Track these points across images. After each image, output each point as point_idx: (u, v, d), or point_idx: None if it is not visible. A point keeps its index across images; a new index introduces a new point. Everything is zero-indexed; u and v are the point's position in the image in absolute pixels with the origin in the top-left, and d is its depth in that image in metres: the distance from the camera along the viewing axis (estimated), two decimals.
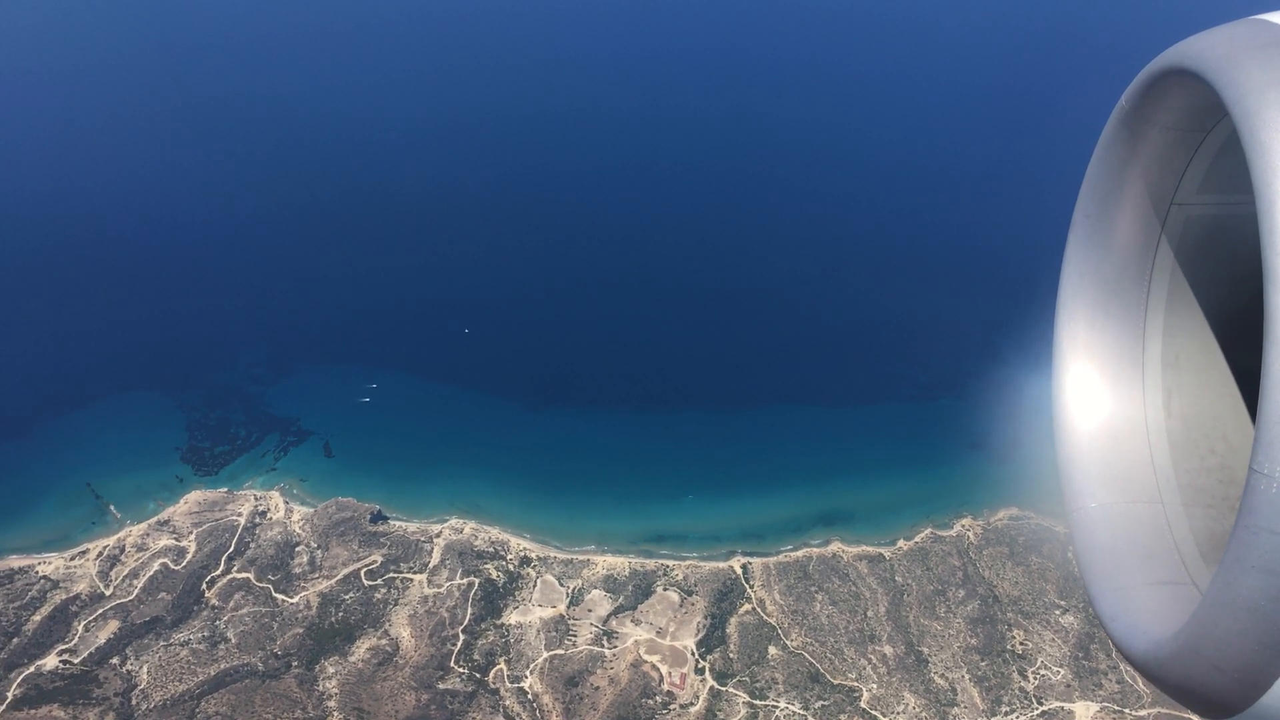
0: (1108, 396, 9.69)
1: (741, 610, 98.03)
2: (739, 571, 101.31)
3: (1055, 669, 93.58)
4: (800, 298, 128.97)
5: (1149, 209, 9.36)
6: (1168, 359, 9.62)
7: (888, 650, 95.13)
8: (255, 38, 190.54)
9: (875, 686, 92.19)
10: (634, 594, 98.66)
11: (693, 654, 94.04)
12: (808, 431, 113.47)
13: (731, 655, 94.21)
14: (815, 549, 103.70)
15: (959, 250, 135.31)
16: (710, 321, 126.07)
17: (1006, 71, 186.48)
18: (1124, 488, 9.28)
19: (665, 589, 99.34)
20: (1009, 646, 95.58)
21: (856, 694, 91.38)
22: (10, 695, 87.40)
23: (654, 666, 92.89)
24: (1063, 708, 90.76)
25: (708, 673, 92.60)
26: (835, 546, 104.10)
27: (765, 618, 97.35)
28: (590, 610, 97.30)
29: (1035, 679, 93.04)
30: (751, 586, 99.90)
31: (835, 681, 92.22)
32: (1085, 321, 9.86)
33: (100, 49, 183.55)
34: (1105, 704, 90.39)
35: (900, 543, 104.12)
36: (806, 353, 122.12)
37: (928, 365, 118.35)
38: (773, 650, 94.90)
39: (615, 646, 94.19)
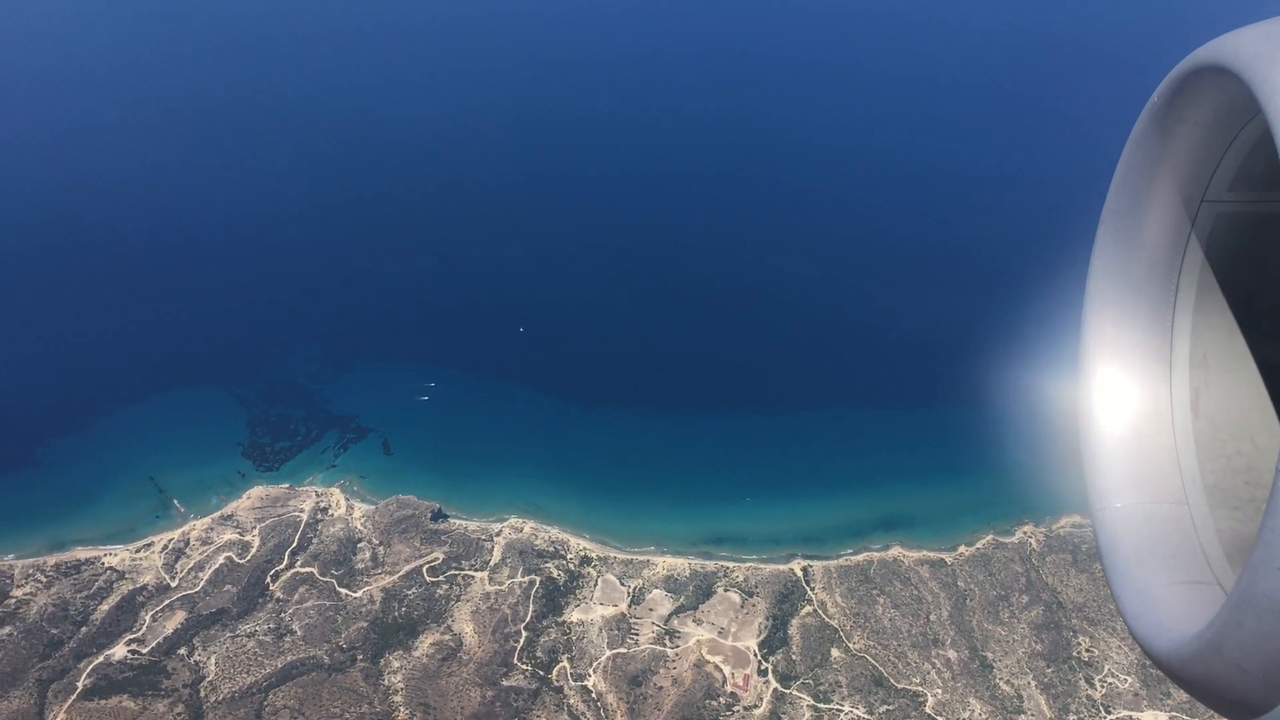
0: (1134, 396, 9.56)
1: (803, 612, 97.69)
2: (799, 574, 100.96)
3: (1123, 676, 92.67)
4: (858, 299, 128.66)
5: (1179, 206, 9.24)
6: (1195, 358, 9.47)
7: (952, 655, 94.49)
8: (314, 33, 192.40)
9: (940, 692, 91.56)
10: (695, 594, 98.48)
11: (755, 655, 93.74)
12: (865, 434, 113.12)
13: (794, 657, 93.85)
14: (875, 553, 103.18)
15: (1010, 251, 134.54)
16: (770, 323, 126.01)
17: (1024, 71, 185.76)
18: (1150, 488, 9.17)
19: (726, 590, 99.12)
20: (1075, 654, 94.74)
21: (921, 699, 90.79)
22: (81, 685, 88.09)
23: (717, 667, 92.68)
24: (1131, 716, 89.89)
25: (771, 674, 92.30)
26: (896, 551, 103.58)
27: (827, 620, 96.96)
28: (651, 610, 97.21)
29: (1103, 687, 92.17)
30: (812, 589, 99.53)
31: (899, 686, 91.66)
32: (1112, 320, 9.73)
33: (161, 43, 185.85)
34: (1174, 713, 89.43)
35: (961, 548, 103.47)
36: (865, 354, 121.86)
37: (986, 368, 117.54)
38: (835, 653, 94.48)
39: (677, 646, 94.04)
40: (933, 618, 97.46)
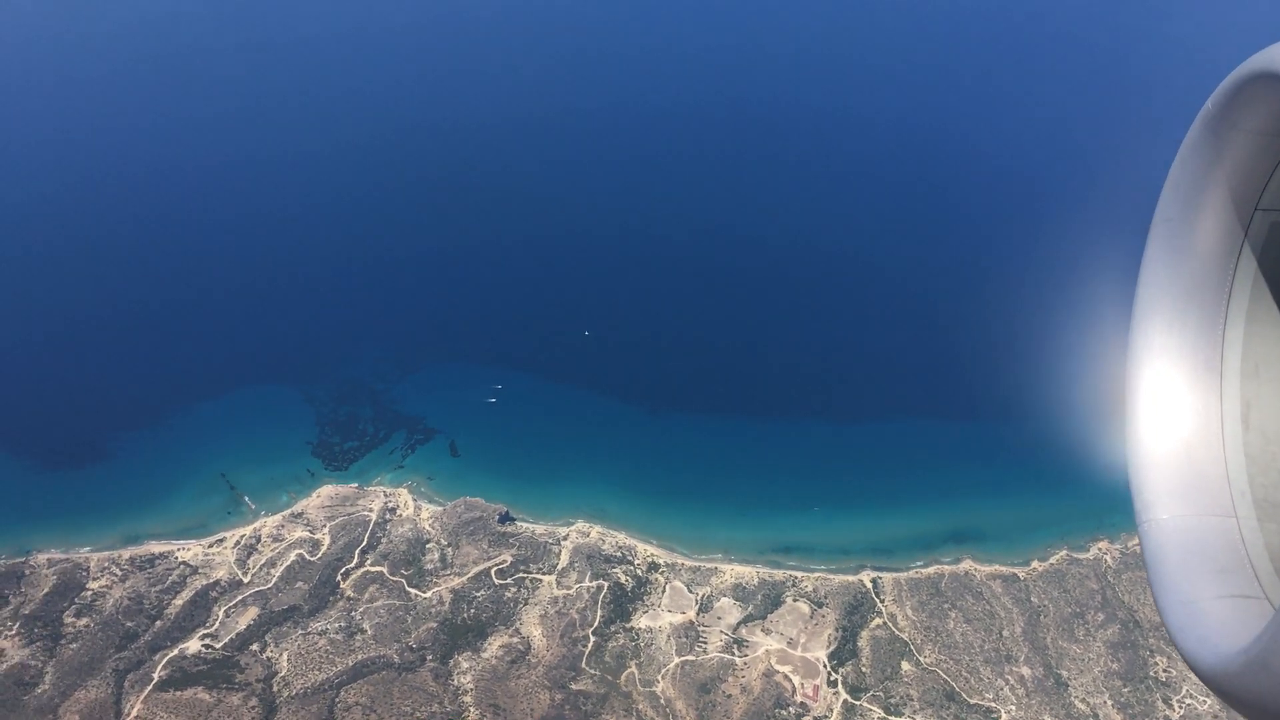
0: (1183, 406, 9.40)
1: (873, 624, 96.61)
2: (869, 585, 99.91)
3: (1201, 698, 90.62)
4: (930, 309, 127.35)
5: (1232, 214, 9.07)
6: (1247, 369, 9.28)
7: (1025, 671, 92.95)
8: (386, 30, 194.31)
9: (1014, 708, 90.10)
10: (763, 603, 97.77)
11: (825, 666, 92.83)
12: (935, 445, 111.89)
13: (864, 669, 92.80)
14: (946, 566, 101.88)
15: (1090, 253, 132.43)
16: (839, 332, 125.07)
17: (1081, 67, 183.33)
18: (1197, 500, 9.01)
19: (795, 600, 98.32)
20: (1152, 673, 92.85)
21: (994, 715, 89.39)
22: (156, 676, 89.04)
23: (786, 677, 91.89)
24: None
25: (840, 685, 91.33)
26: (967, 564, 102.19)
27: (897, 633, 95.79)
28: (720, 618, 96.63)
29: (1180, 708, 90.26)
30: (882, 601, 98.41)
31: (972, 701, 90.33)
32: (1162, 328, 9.57)
33: (238, 41, 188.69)
34: None
35: (1034, 563, 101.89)
36: (935, 365, 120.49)
37: (1059, 382, 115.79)
38: (906, 666, 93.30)
39: (746, 655, 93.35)
40: (1005, 633, 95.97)
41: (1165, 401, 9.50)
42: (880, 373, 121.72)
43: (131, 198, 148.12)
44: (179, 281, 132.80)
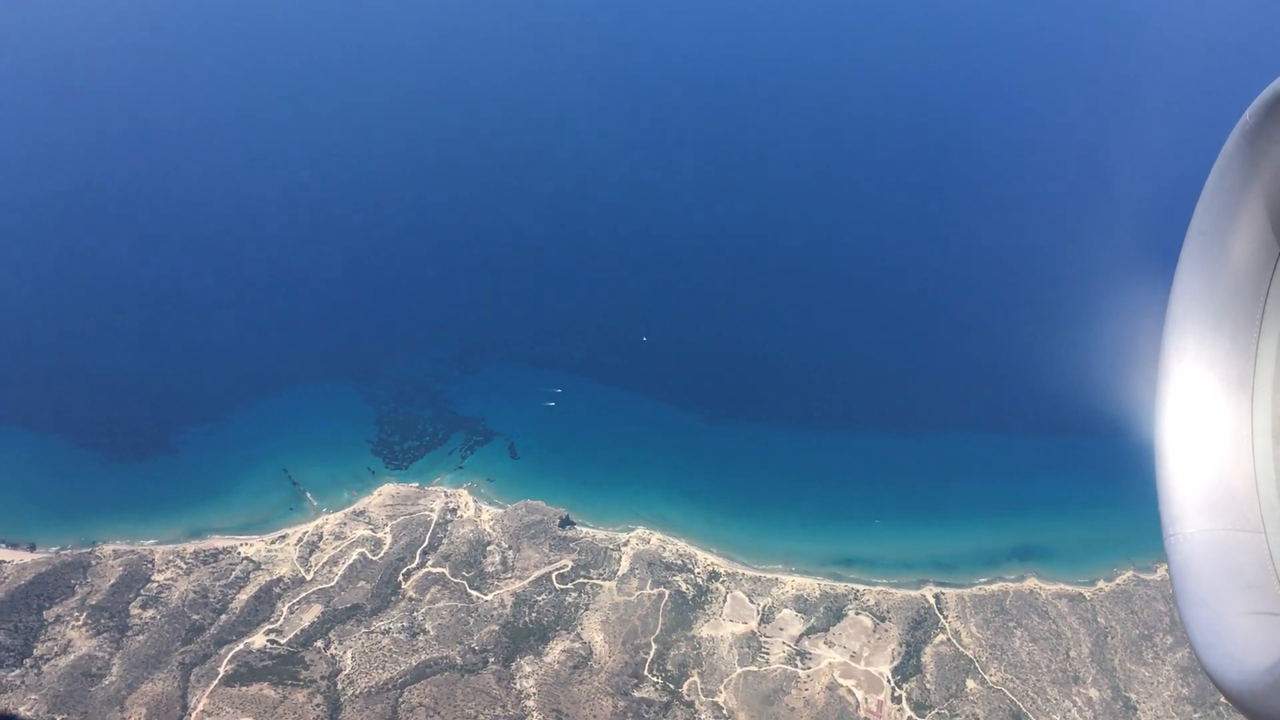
0: (1213, 420, 9.29)
1: (936, 640, 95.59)
2: (931, 601, 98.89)
3: None
4: (995, 322, 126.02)
5: (1268, 228, 8.94)
6: None
7: (1093, 694, 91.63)
8: (462, 38, 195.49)
9: None
10: (825, 616, 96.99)
11: (889, 681, 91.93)
12: (997, 460, 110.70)
13: (929, 685, 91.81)
14: (1011, 584, 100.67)
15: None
16: (902, 343, 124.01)
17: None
18: (1226, 515, 8.90)
19: (857, 613, 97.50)
20: (1223, 700, 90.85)
21: None
22: (222, 671, 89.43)
23: (850, 691, 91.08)
24: None
25: (905, 702, 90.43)
26: (1031, 582, 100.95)
27: (962, 649, 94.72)
28: (782, 629, 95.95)
29: None
30: (946, 617, 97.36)
31: None
32: (1195, 341, 9.47)
33: (303, 49, 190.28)
34: None
35: (1100, 583, 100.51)
36: (997, 380, 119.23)
37: (1125, 398, 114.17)
38: (971, 684, 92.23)
39: (809, 668, 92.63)
40: (1072, 654, 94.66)
41: (1195, 415, 9.40)
42: (942, 384, 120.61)
43: (200, 196, 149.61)
44: (244, 278, 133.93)
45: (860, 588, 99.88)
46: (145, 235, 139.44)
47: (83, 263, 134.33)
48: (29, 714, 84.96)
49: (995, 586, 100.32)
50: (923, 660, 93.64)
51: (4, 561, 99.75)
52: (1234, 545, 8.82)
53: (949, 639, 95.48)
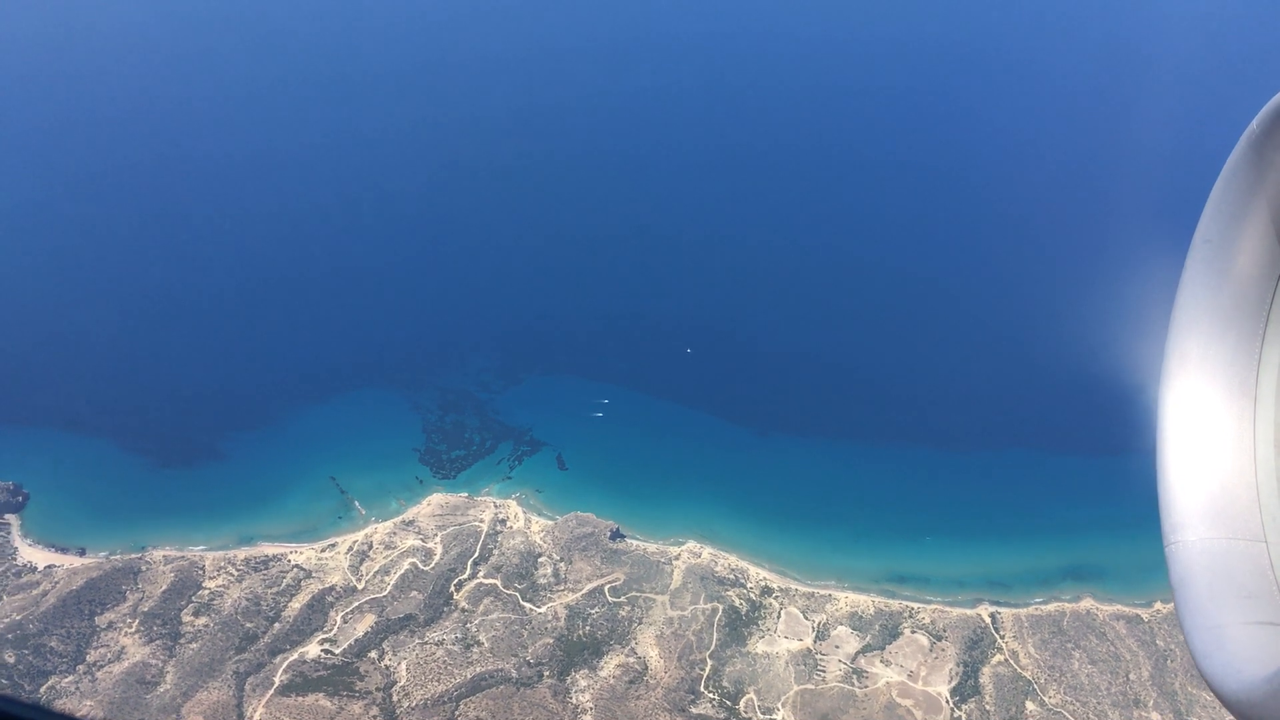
0: (1216, 428, 9.31)
1: (994, 660, 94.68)
2: (987, 620, 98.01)
3: None
4: (1050, 339, 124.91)
5: (1273, 237, 9.00)
6: None
7: (1155, 718, 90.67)
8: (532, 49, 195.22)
9: None
10: (881, 634, 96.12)
11: (947, 701, 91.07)
12: (1052, 478, 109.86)
13: (988, 707, 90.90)
14: (1067, 604, 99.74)
15: None
16: (954, 357, 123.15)
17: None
18: (1227, 524, 8.91)
19: (913, 631, 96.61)
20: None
21: None
22: (277, 681, 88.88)
23: (909, 711, 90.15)
24: None
25: None
26: (1088, 603, 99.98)
27: (1020, 670, 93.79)
28: (837, 646, 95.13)
29: None
30: (1002, 637, 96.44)
31: None
32: (1198, 350, 9.50)
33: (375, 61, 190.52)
34: None
35: (1158, 605, 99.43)
36: (1047, 396, 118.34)
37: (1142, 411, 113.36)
38: (1030, 705, 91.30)
39: (866, 686, 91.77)
40: (1132, 676, 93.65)
41: (1198, 423, 9.41)
42: (994, 400, 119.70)
43: (251, 203, 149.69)
44: (291, 285, 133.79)
45: (915, 606, 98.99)
46: (195, 241, 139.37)
47: (133, 268, 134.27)
48: None
49: (1051, 606, 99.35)
50: (981, 680, 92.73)
51: (54, 566, 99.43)
52: (1235, 554, 8.77)
53: (1006, 659, 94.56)
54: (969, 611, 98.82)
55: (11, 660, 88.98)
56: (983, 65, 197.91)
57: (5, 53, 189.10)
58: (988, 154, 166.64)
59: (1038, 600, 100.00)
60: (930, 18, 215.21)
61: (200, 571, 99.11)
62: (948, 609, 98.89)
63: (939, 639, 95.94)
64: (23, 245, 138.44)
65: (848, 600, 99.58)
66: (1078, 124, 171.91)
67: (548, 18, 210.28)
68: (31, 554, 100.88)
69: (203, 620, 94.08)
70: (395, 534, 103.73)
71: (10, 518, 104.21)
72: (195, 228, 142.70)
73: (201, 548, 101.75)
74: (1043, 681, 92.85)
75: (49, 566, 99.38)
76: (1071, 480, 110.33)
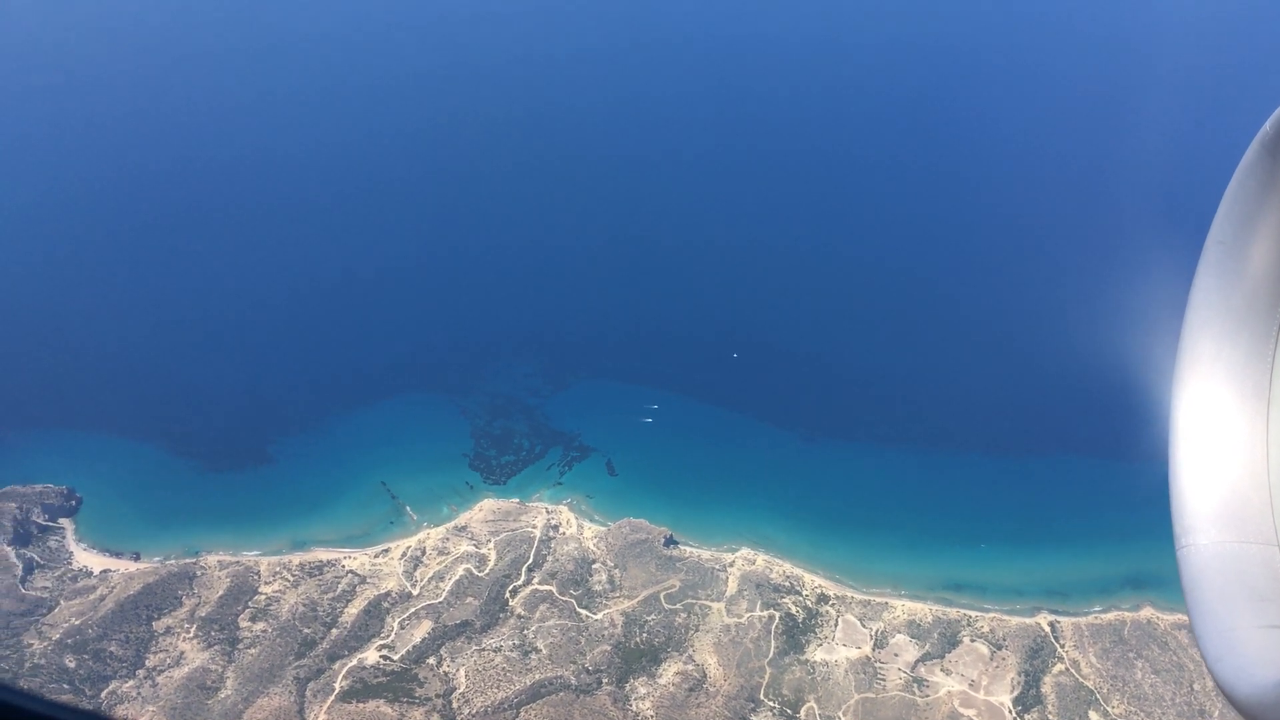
0: (1229, 430, 9.27)
1: (1055, 670, 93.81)
2: (1047, 629, 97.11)
3: None
4: (1098, 342, 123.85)
5: None
6: None
7: None
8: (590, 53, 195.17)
9: None
10: (940, 642, 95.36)
11: (1010, 711, 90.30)
12: (1108, 485, 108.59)
13: (1050, 717, 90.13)
14: (1127, 613, 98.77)
15: None
16: (1006, 362, 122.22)
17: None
18: (1239, 527, 8.87)
19: (972, 640, 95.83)
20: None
21: None
22: (338, 687, 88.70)
23: None
24: None
25: None
26: (1148, 612, 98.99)
27: (1081, 680, 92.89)
28: (896, 655, 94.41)
29: None
30: (1063, 646, 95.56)
31: None
32: (1210, 352, 9.48)
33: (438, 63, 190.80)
34: None
35: None
36: (1104, 402, 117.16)
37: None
38: (1094, 716, 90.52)
39: (928, 695, 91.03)
40: (1197, 687, 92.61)
41: (1210, 425, 9.37)
42: (1044, 406, 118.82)
43: (299, 208, 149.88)
44: (337, 289, 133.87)
45: (973, 614, 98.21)
46: (242, 246, 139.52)
47: (180, 273, 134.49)
48: None
49: (1111, 615, 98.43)
50: (1042, 690, 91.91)
51: (110, 570, 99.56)
52: (1247, 557, 8.73)
53: (1068, 669, 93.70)
54: (1028, 620, 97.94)
55: (72, 665, 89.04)
56: (1007, 70, 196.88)
57: (48, 53, 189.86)
58: (1011, 158, 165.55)
59: (1097, 609, 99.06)
60: (957, 22, 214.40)
61: (255, 577, 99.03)
62: (1006, 617, 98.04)
63: (999, 648, 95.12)
64: (73, 249, 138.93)
65: (905, 608, 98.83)
66: (1092, 126, 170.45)
67: (583, 20, 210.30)
68: (87, 558, 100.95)
69: (260, 626, 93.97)
70: (448, 539, 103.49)
71: (64, 522, 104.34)
72: (243, 231, 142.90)
73: (255, 553, 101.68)
74: (1105, 691, 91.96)
75: (104, 571, 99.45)
76: (1127, 486, 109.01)
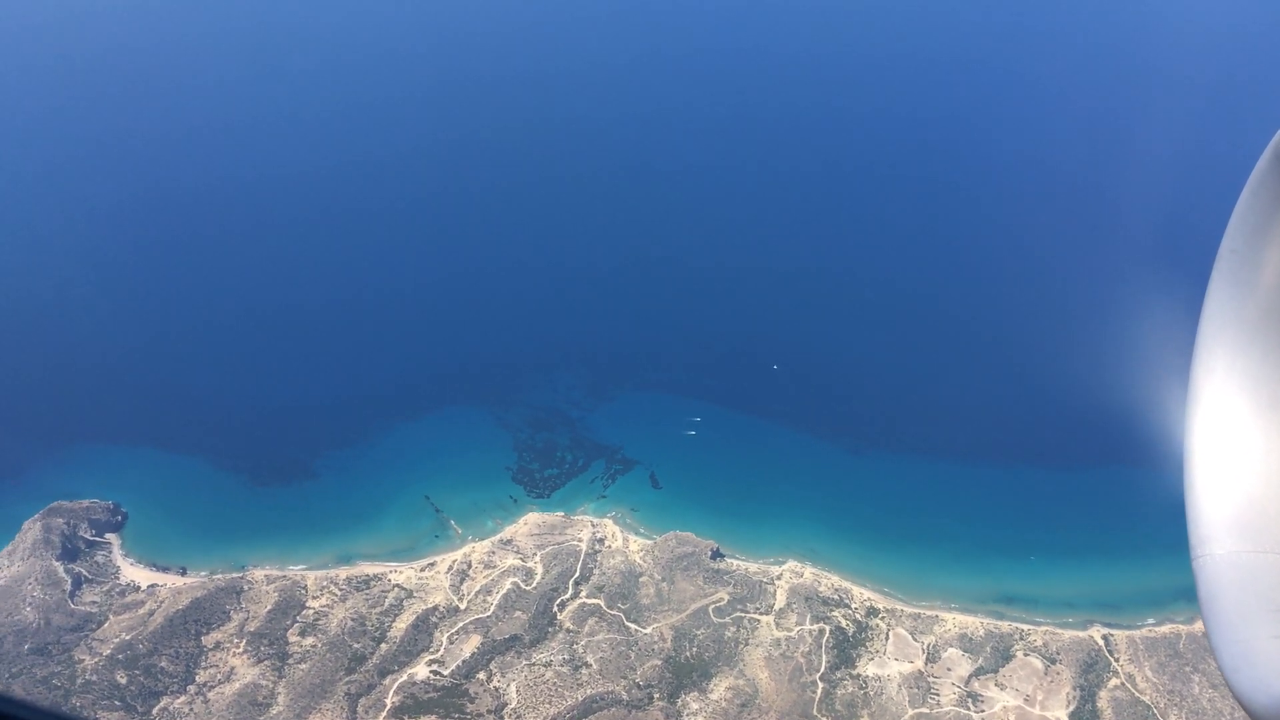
0: (1244, 440, 9.21)
1: (1110, 684, 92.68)
2: (1100, 642, 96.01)
3: None
4: (1144, 352, 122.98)
5: None
6: None
7: None
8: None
9: None
10: (993, 656, 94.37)
11: None
12: (1159, 495, 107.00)
13: None
14: (1181, 625, 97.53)
15: None
16: (1052, 373, 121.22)
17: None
18: (1255, 537, 8.82)
19: (1026, 654, 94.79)
20: None
21: None
22: (389, 702, 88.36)
23: None
24: None
25: None
26: (1202, 624, 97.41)
27: (1138, 694, 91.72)
28: (949, 669, 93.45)
29: None
30: (1117, 660, 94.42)
31: None
32: (1225, 361, 9.42)
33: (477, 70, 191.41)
34: None
35: None
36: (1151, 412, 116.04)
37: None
38: None
39: (983, 710, 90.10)
40: None
41: (1225, 435, 9.32)
42: (1085, 416, 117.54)
43: (339, 219, 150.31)
44: (378, 302, 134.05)
45: (1025, 627, 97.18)
46: (287, 260, 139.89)
47: (224, 288, 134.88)
48: None
49: (1165, 628, 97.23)
50: (1099, 705, 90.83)
51: (157, 585, 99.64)
52: (1264, 568, 8.67)
53: (1123, 683, 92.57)
54: (1080, 633, 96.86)
55: (124, 681, 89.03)
56: (1029, 84, 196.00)
57: (105, 67, 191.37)
58: (1045, 173, 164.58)
59: (1150, 621, 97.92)
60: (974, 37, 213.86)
61: (303, 591, 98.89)
62: (1059, 630, 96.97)
63: (1053, 662, 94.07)
64: (116, 265, 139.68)
65: (955, 621, 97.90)
66: (1103, 137, 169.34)
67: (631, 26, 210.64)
68: (133, 573, 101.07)
69: (310, 640, 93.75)
70: (494, 553, 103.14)
71: (111, 537, 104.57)
72: (288, 244, 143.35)
73: (301, 567, 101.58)
74: (1163, 706, 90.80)
75: (152, 586, 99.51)
76: (1177, 496, 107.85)
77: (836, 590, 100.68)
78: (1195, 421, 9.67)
